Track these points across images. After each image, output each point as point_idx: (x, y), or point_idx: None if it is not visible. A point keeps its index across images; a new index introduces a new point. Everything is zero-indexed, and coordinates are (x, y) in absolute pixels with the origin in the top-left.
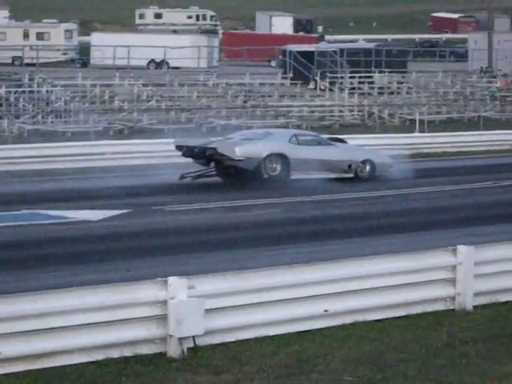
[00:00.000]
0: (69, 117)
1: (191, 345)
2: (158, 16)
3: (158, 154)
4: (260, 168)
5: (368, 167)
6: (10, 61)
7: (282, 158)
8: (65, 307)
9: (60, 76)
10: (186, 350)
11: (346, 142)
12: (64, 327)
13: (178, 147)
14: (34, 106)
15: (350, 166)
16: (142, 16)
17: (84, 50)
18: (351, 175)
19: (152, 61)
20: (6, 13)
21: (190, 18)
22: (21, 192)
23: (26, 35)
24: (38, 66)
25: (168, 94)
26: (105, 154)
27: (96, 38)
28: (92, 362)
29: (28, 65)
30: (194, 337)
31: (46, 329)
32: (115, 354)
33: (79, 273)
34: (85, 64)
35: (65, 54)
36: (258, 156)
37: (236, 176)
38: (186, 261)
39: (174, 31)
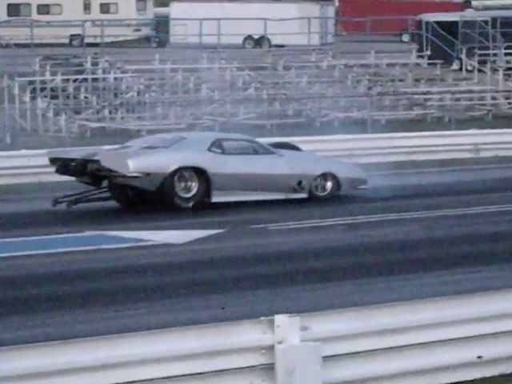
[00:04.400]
0: (143, 111)
1: None
2: None
3: None
4: (166, 188)
5: (329, 183)
6: (68, 40)
7: (198, 173)
8: (145, 354)
9: (131, 59)
10: None
11: (299, 149)
12: (137, 382)
13: (52, 160)
14: (99, 98)
15: (300, 183)
16: None
17: (161, 25)
18: (304, 195)
19: (249, 37)
20: None
21: None
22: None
23: (86, 7)
24: (103, 47)
25: (270, 80)
26: None
27: (176, 10)
28: None
29: (90, 45)
30: None
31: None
32: None
33: (162, 310)
34: (162, 43)
35: (137, 30)
36: (162, 171)
37: (138, 199)
38: (295, 294)
39: None
